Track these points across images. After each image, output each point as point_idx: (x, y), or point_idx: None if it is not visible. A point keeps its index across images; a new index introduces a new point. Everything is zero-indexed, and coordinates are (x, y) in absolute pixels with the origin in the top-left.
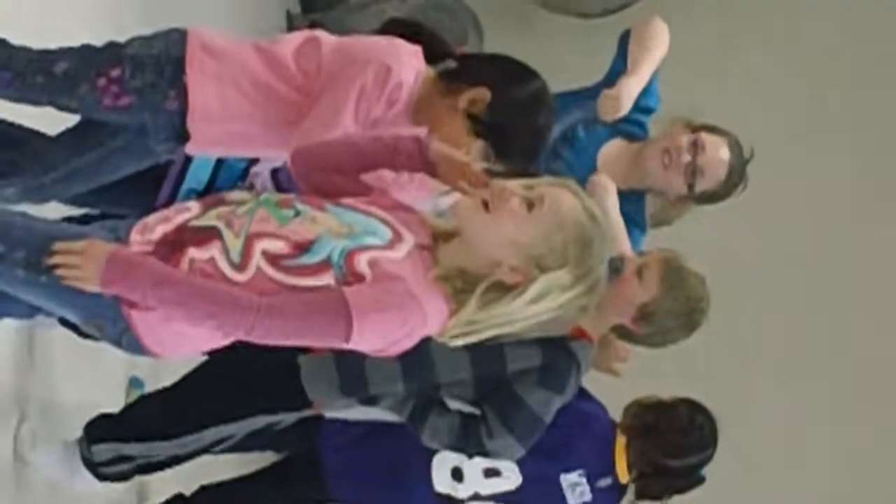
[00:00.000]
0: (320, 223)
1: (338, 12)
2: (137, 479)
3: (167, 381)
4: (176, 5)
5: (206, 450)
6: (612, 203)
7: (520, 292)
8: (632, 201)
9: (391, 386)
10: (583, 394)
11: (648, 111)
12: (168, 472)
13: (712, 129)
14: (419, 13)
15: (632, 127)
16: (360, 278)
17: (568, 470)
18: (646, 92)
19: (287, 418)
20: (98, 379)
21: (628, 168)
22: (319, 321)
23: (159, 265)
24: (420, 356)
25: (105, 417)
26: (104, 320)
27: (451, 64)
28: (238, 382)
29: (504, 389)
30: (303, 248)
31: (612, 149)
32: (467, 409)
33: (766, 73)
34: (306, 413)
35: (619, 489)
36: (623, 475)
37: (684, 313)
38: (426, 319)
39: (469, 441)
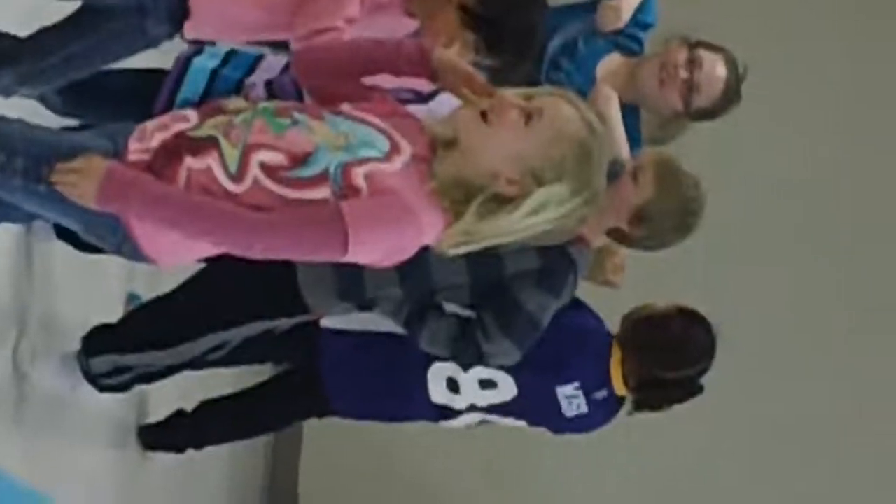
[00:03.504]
0: (317, 133)
1: None
2: (138, 393)
3: None
4: None
5: (202, 357)
6: (615, 110)
7: (517, 205)
8: (628, 116)
9: (388, 289)
10: (578, 306)
11: (646, 27)
12: (168, 388)
13: (709, 46)
14: None
15: (630, 42)
16: (356, 192)
17: (563, 382)
18: (644, 7)
19: (283, 324)
20: (96, 293)
21: (625, 83)
22: (316, 236)
23: (156, 183)
24: (417, 262)
25: (101, 329)
26: (104, 229)
27: None
28: (234, 289)
29: (501, 293)
30: (300, 160)
31: (611, 62)
32: (465, 313)
33: None
34: (303, 318)
35: (616, 401)
36: (619, 387)
37: (679, 213)
38: (422, 232)
39: (467, 344)
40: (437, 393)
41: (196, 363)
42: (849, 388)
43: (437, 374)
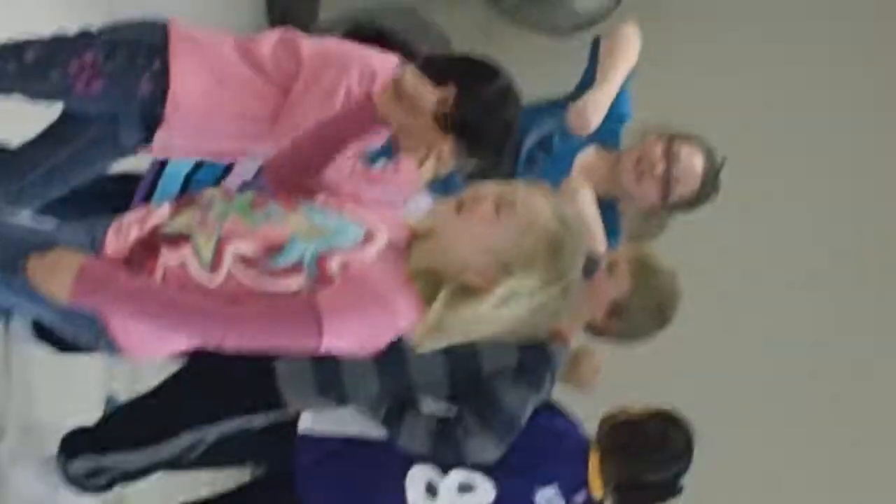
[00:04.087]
0: (292, 224)
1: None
2: (118, 498)
3: None
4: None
5: (180, 457)
6: (587, 199)
7: (485, 296)
8: (606, 209)
9: (366, 384)
10: (555, 409)
11: (622, 118)
12: (149, 492)
13: (685, 138)
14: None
15: (606, 135)
16: (330, 281)
17: (543, 483)
18: (618, 99)
19: (260, 421)
20: (75, 395)
21: (604, 176)
22: (290, 327)
23: (129, 279)
24: (394, 354)
25: (79, 431)
26: (81, 322)
27: (416, 64)
28: (211, 385)
29: (479, 390)
30: (274, 249)
31: (588, 157)
32: (442, 408)
33: (744, 76)
34: (279, 417)
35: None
36: (597, 490)
37: (655, 308)
38: (396, 318)
39: (446, 441)
40: (415, 498)
41: (174, 463)
42: None
43: (416, 479)
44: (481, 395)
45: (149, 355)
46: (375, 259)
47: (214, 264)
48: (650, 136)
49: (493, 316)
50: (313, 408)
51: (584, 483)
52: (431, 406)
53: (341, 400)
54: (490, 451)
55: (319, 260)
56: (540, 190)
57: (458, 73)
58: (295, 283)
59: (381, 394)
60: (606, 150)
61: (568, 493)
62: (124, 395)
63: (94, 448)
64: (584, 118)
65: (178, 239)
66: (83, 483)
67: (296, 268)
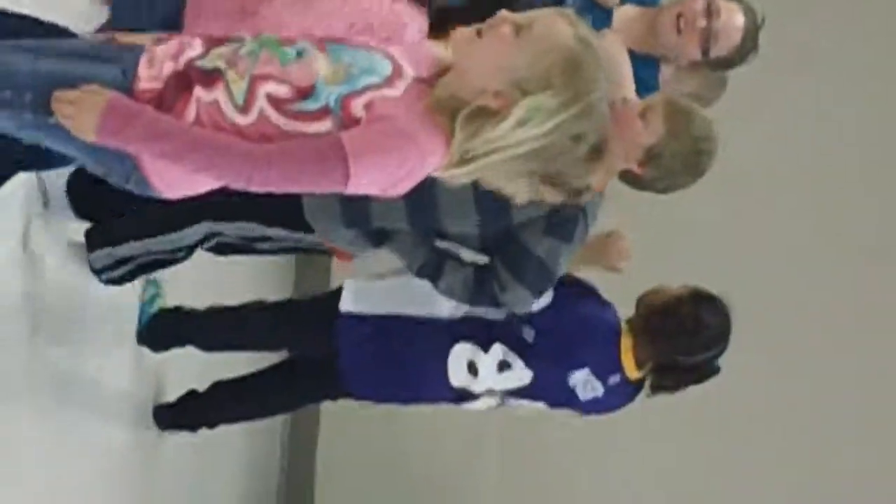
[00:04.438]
0: (321, 66)
1: None
2: (155, 374)
3: (182, 282)
4: None
5: (196, 245)
6: (616, 43)
7: (503, 116)
8: (646, 66)
9: (395, 221)
10: (588, 292)
11: None
12: (186, 369)
13: None
14: None
15: None
16: (356, 122)
17: (574, 368)
18: None
19: (280, 236)
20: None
21: (642, 32)
22: (317, 166)
23: (156, 117)
24: (425, 201)
25: (100, 224)
26: (111, 160)
27: None
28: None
29: (511, 241)
30: (303, 93)
31: (627, 12)
32: (480, 259)
33: None
34: (299, 243)
35: (630, 384)
36: (631, 372)
37: (691, 153)
38: (424, 156)
39: (483, 294)
40: (457, 376)
41: (191, 250)
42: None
43: (459, 357)
44: (512, 247)
45: (179, 194)
46: (401, 95)
47: (246, 104)
48: None
49: (514, 137)
50: (343, 240)
51: (618, 365)
52: (471, 256)
53: (373, 238)
54: (524, 301)
55: (344, 102)
56: (563, 13)
57: None
58: (323, 126)
59: (414, 240)
60: (645, 5)
61: (601, 375)
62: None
63: (111, 239)
64: None
65: (213, 74)
66: (108, 274)
67: (323, 111)
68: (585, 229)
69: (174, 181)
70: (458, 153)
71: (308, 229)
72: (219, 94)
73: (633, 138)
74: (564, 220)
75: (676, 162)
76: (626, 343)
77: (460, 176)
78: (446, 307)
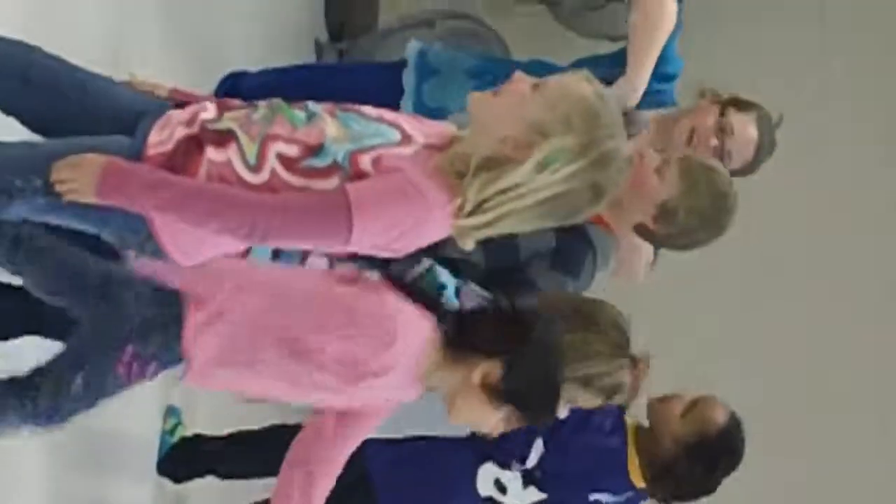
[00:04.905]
0: (330, 128)
1: (365, 41)
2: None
3: (202, 409)
4: (204, 37)
5: None
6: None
7: (522, 161)
8: (663, 79)
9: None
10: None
11: (668, 78)
12: (210, 493)
13: (739, 105)
14: (448, 37)
15: (657, 97)
16: (364, 176)
17: (594, 491)
18: (662, 59)
19: None
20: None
21: (656, 137)
22: (320, 216)
23: (153, 171)
24: None
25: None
26: (125, 230)
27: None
28: None
29: (516, 274)
30: (312, 150)
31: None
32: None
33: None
34: None
35: (640, 493)
36: (639, 482)
37: (709, 211)
38: (430, 208)
39: None
40: (485, 489)
41: None
42: None
43: (486, 477)
44: (517, 280)
45: (195, 261)
46: (409, 156)
47: (258, 165)
48: (703, 102)
49: (533, 182)
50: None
51: (629, 485)
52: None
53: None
54: None
55: (353, 158)
56: (579, 73)
57: (499, 342)
58: (331, 183)
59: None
60: (664, 104)
61: (618, 493)
62: (182, 404)
63: None
64: (631, 88)
65: (225, 135)
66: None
67: (332, 167)
68: (595, 267)
69: (189, 247)
70: (474, 202)
71: None
72: (231, 153)
73: (648, 192)
74: (572, 254)
75: (693, 219)
76: (632, 464)
77: (473, 230)
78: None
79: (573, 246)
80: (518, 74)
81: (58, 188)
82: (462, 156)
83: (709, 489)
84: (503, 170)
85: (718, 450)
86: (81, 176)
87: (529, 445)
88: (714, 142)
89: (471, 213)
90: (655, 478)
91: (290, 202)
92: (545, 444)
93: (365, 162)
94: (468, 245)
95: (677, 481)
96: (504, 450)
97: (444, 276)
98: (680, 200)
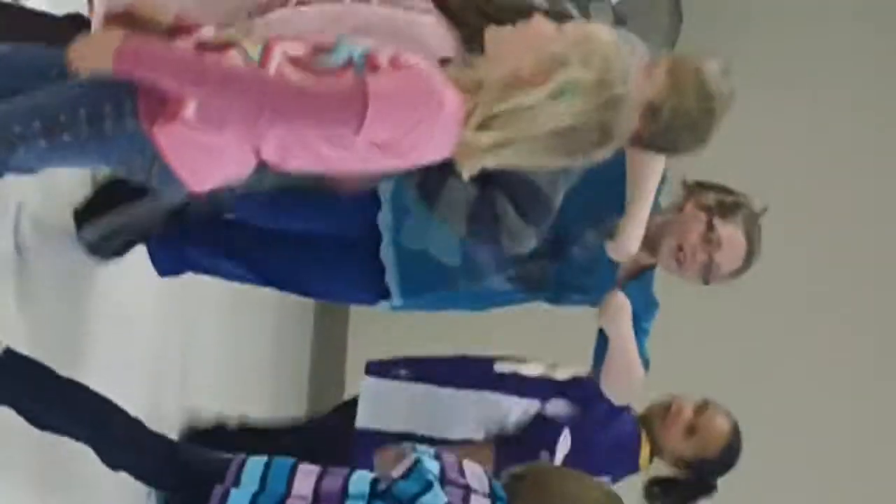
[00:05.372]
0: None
1: None
2: None
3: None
4: None
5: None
6: (627, 323)
7: (538, 84)
8: (644, 282)
9: None
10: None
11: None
12: None
13: (725, 212)
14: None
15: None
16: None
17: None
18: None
19: None
20: None
21: (641, 245)
22: (336, 101)
23: (170, 45)
24: None
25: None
26: (130, 154)
27: None
28: None
29: (512, 173)
30: (323, 49)
31: None
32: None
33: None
34: None
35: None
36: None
37: (694, 112)
38: (442, 105)
39: (481, 219)
40: None
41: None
42: None
43: None
44: (510, 176)
45: (201, 183)
46: (427, 62)
47: (262, 62)
48: (688, 207)
49: (546, 109)
50: None
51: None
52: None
53: None
54: (523, 235)
55: (369, 56)
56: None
57: None
58: (346, 83)
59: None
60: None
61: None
62: None
63: (99, 211)
64: (622, 249)
65: (225, 45)
66: (100, 249)
67: (345, 67)
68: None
69: (196, 163)
70: (484, 114)
71: None
72: (233, 55)
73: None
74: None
75: (676, 119)
76: (644, 453)
77: (477, 149)
78: (459, 431)
79: None
80: (538, 16)
81: (75, 64)
82: (475, 78)
83: (706, 493)
84: (518, 90)
85: (720, 464)
86: (99, 45)
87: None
88: (702, 256)
89: (479, 128)
90: (655, 487)
91: (306, 85)
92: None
93: (382, 60)
94: (467, 171)
95: (677, 491)
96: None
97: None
98: (665, 98)
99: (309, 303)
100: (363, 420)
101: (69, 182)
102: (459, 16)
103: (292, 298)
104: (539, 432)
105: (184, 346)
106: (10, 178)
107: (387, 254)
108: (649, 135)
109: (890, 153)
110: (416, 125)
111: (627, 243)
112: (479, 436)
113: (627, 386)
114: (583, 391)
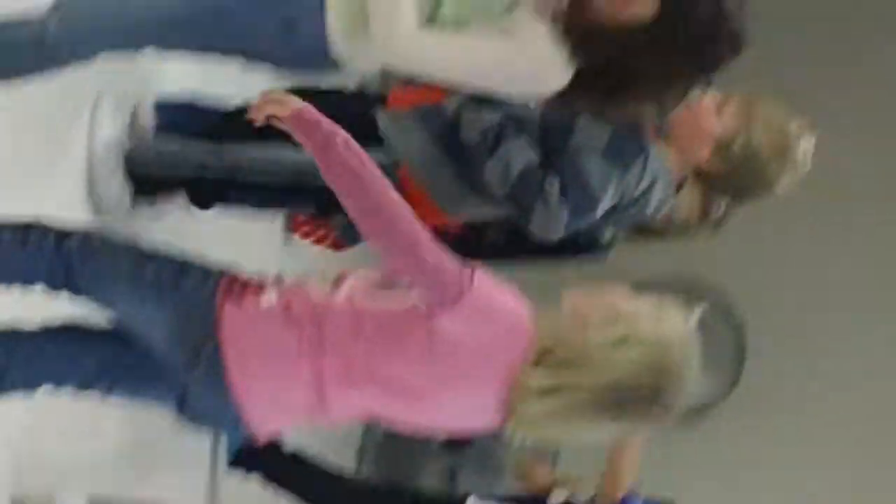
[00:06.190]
0: None
1: None
2: None
3: None
4: None
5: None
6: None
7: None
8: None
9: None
10: None
11: None
12: None
13: None
14: None
15: None
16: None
17: None
18: None
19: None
20: None
21: None
22: (436, 274)
23: (338, 131)
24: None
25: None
26: (196, 322)
27: None
28: None
29: (566, 159)
30: (392, 281)
31: None
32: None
33: None
34: None
35: None
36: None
37: (765, 150)
38: (522, 322)
39: (531, 186)
40: None
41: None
42: None
43: None
44: (566, 164)
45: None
46: None
47: (334, 287)
48: None
49: (604, 355)
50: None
51: None
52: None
53: None
54: (557, 217)
55: None
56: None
57: None
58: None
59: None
60: None
61: None
62: None
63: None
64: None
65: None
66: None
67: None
68: (644, 174)
69: (249, 352)
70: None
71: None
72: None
73: (705, 127)
74: (623, 152)
75: (746, 161)
76: None
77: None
78: None
79: (626, 144)
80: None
81: (265, 110)
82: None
83: None
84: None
85: None
86: (284, 102)
87: None
88: None
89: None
90: None
91: (424, 244)
92: None
93: None
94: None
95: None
96: None
97: None
98: (735, 135)
99: None
100: None
101: None
102: None
103: None
104: None
105: None
106: None
107: None
108: (716, 174)
109: None
110: (493, 331)
111: None
112: None
113: None
114: None
